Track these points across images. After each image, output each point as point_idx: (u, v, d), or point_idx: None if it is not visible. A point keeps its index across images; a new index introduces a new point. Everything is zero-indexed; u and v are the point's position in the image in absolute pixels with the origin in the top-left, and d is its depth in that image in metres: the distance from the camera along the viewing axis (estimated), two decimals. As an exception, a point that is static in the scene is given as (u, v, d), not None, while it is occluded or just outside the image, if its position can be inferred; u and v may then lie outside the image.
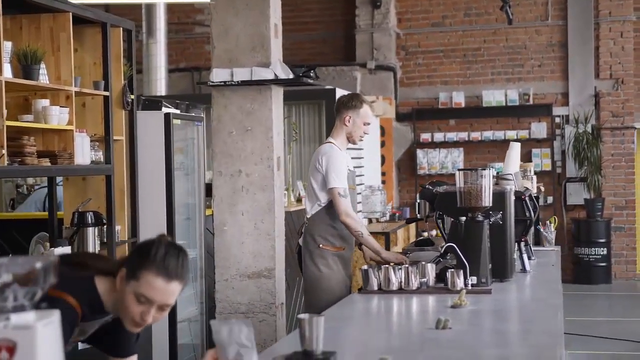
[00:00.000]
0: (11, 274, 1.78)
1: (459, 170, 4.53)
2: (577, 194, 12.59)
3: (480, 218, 4.45)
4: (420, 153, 12.95)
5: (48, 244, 5.42)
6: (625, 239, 12.63)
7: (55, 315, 1.82)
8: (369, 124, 5.36)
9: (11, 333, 1.74)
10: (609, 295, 11.85)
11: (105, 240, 5.62)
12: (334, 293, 5.10)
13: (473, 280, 4.33)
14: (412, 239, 11.32)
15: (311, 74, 6.06)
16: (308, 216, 5.33)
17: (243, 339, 2.53)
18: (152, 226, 6.21)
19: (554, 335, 3.18)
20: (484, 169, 4.48)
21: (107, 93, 5.60)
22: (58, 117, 5.01)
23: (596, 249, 12.25)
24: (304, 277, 5.34)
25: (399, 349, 3.08)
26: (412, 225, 11.27)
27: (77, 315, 2.61)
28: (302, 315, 2.77)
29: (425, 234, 12.51)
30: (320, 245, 5.22)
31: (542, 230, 6.46)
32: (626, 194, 12.61)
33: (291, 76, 5.73)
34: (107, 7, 12.77)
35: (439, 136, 12.90)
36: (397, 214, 11.08)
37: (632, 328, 9.36)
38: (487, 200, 4.45)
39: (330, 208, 5.22)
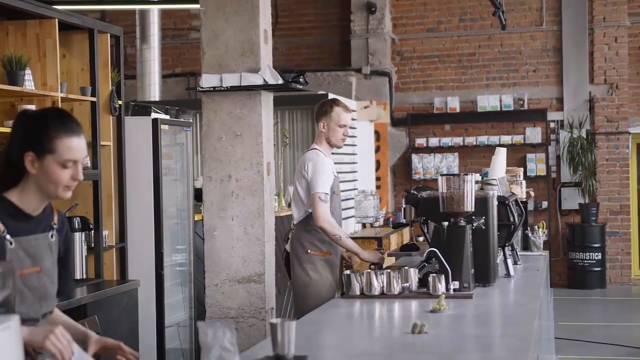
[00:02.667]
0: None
1: (441, 175, 4.55)
2: (571, 199, 12.60)
3: (462, 223, 4.47)
4: (415, 158, 12.97)
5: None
6: (620, 244, 12.63)
7: (13, 321, 1.83)
8: (344, 126, 5.42)
9: (-32, 337, 1.76)
10: (603, 300, 11.84)
11: (92, 245, 5.64)
12: (322, 298, 5.12)
13: (455, 285, 4.34)
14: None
15: (300, 80, 6.08)
16: (295, 222, 5.38)
17: (226, 343, 2.58)
18: (140, 231, 6.23)
19: (527, 340, 3.19)
20: (467, 174, 4.50)
21: (94, 99, 5.62)
22: (44, 122, 5.03)
23: (591, 253, 12.25)
24: (293, 283, 5.38)
25: (373, 354, 3.09)
26: (406, 230, 11.28)
27: None
28: (273, 320, 2.80)
29: (421, 239, 12.53)
30: (309, 251, 5.28)
31: (530, 235, 6.46)
32: (621, 199, 12.61)
33: (280, 82, 5.76)
34: (102, 13, 12.83)
35: (434, 141, 12.92)
36: (391, 219, 11.10)
37: (626, 333, 9.36)
38: (470, 206, 4.46)
39: None
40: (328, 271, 5.30)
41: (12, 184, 2.74)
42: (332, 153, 5.58)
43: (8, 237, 2.67)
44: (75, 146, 2.71)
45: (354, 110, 10.50)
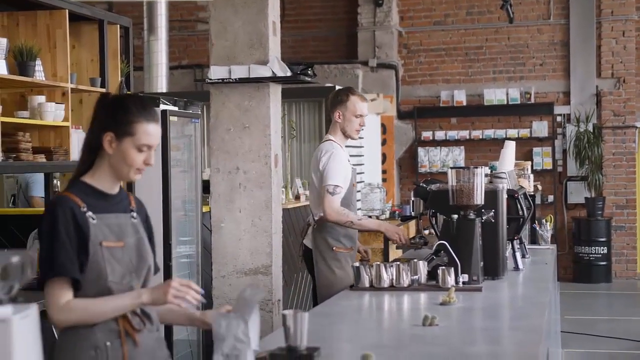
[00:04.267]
0: (-12, 267, 1.81)
1: (451, 168, 4.55)
2: (578, 193, 12.59)
3: (472, 216, 4.47)
4: (421, 151, 12.97)
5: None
6: (626, 238, 12.63)
7: (32, 309, 1.84)
8: (361, 116, 5.26)
9: (-13, 326, 1.77)
10: (608, 294, 11.85)
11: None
12: None
13: (464, 278, 4.34)
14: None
15: (309, 72, 6.07)
16: (317, 217, 5.23)
17: (240, 334, 2.59)
18: (148, 222, 6.22)
19: (537, 333, 3.19)
20: (476, 168, 4.50)
21: (103, 90, 5.63)
22: (54, 113, 5.04)
23: (596, 247, 12.25)
24: (318, 280, 5.22)
25: (384, 345, 3.09)
26: (413, 223, 11.28)
27: (68, 199, 2.79)
28: (286, 311, 2.80)
29: (427, 232, 12.54)
30: (334, 248, 5.17)
31: (537, 229, 6.46)
32: (627, 193, 12.61)
33: (289, 74, 5.75)
34: (110, 5, 12.81)
35: (440, 134, 12.92)
36: (397, 212, 11.10)
37: (631, 327, 9.37)
38: (479, 199, 4.46)
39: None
40: (350, 266, 5.24)
41: (87, 168, 2.87)
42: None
43: (89, 213, 2.79)
44: (153, 132, 2.83)
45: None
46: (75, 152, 5.26)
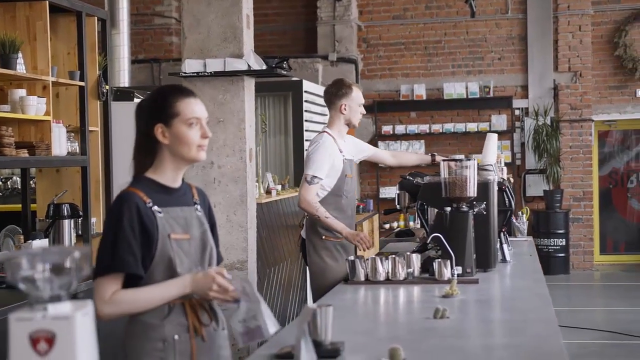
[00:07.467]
0: (47, 264, 1.75)
1: (443, 160, 4.55)
2: (536, 186, 12.74)
3: (464, 208, 4.48)
4: (382, 145, 12.97)
5: (22, 237, 5.33)
6: (583, 230, 12.81)
7: (89, 306, 1.79)
8: (361, 104, 5.37)
9: (50, 324, 1.71)
10: (567, 285, 12.00)
11: (81, 232, 5.54)
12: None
13: (458, 270, 4.35)
14: (376, 231, 11.38)
15: (284, 65, 6.04)
16: None
17: (249, 291, 2.74)
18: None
19: (552, 324, 3.21)
20: (469, 160, 4.51)
21: (82, 83, 5.52)
22: (36, 107, 4.93)
23: (555, 239, 12.40)
24: (310, 269, 5.33)
25: (402, 339, 3.06)
26: (376, 217, 11.32)
27: (134, 194, 2.79)
28: (311, 305, 2.77)
29: (387, 225, 12.57)
30: (323, 237, 5.22)
31: (514, 221, 6.51)
32: (584, 186, 12.79)
33: (264, 67, 5.71)
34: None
35: (400, 128, 12.95)
36: (360, 206, 11.12)
37: (592, 317, 9.51)
38: (472, 191, 4.47)
39: (331, 198, 5.19)
40: (344, 256, 5.22)
41: (148, 166, 2.88)
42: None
43: (155, 207, 2.81)
44: (195, 105, 2.88)
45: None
46: (56, 147, 5.15)
